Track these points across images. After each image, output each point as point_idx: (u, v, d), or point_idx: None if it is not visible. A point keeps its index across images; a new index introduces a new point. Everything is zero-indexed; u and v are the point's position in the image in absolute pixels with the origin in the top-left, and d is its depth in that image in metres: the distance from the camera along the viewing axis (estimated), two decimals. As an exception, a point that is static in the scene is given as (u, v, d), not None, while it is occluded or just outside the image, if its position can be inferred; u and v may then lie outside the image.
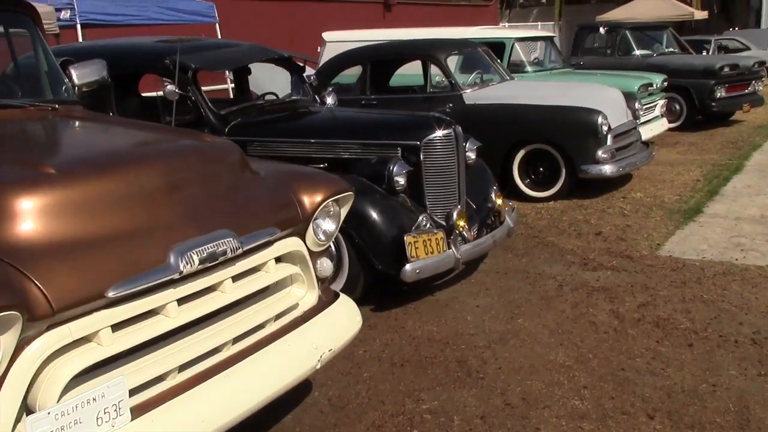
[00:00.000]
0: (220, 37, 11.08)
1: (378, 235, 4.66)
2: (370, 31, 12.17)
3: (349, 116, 5.71)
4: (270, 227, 2.87)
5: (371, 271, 4.75)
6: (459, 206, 5.10)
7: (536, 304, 4.87)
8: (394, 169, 4.85)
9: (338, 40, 11.40)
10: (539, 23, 26.76)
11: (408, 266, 4.57)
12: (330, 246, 4.55)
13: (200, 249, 2.49)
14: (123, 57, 5.69)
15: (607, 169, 7.54)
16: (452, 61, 8.34)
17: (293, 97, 6.18)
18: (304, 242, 3.13)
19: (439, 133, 5.10)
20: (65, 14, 8.97)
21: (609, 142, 7.62)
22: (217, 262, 2.56)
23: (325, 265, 3.28)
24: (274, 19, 15.60)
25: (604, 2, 27.77)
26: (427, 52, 8.26)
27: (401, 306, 4.92)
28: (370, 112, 5.88)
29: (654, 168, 9.19)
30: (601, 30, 13.62)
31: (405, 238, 4.60)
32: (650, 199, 7.71)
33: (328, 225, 3.25)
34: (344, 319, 3.29)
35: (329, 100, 6.21)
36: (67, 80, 3.78)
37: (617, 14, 21.71)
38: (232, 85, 7.55)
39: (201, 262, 2.49)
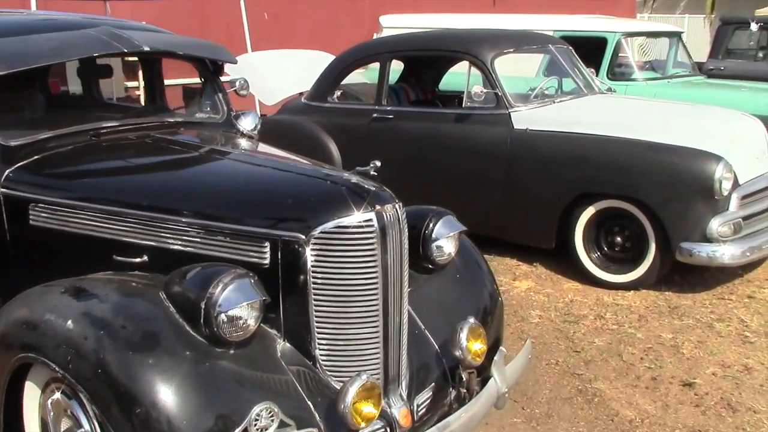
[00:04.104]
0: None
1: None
2: (436, 15, 9.68)
3: (208, 167, 3.22)
4: None
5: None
6: (370, 370, 2.52)
7: None
8: (222, 295, 2.34)
9: (398, 26, 9.31)
10: (687, 15, 22.95)
11: None
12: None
13: None
14: None
15: (726, 252, 4.63)
16: (504, 63, 5.62)
17: (179, 118, 3.82)
18: None
19: (349, 218, 2.53)
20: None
21: (733, 206, 4.72)
22: None
23: None
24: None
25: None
26: (466, 48, 5.65)
27: None
28: (261, 161, 3.26)
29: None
30: (753, 26, 10.32)
31: (205, 459, 2.13)
32: (796, 305, 4.78)
33: None
34: None
35: (244, 124, 3.81)
36: None
37: (784, 7, 17.78)
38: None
39: None
